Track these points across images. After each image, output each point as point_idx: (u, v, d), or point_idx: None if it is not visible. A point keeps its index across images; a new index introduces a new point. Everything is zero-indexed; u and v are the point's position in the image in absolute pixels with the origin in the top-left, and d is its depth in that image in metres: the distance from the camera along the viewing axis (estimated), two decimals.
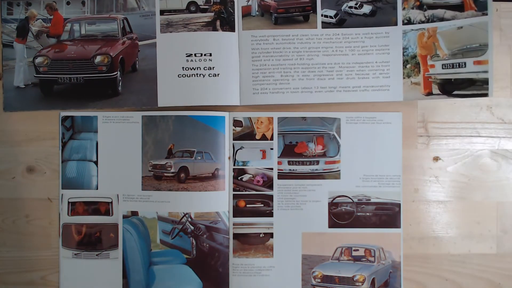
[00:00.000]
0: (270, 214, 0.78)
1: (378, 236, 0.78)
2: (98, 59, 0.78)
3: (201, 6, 0.77)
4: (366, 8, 0.77)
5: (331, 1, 0.77)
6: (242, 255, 0.78)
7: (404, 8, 0.77)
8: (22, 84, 0.78)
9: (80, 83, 0.77)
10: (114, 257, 0.77)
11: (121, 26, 0.80)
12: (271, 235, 0.78)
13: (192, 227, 0.77)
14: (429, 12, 0.76)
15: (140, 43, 0.78)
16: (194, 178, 0.77)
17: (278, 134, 0.78)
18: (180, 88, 0.76)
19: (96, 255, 0.77)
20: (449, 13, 0.76)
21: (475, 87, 0.75)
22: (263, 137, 0.78)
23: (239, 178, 0.78)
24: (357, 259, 0.78)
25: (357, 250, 0.78)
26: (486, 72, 0.74)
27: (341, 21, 0.77)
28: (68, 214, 0.78)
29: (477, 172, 0.79)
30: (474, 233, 0.79)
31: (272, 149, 0.78)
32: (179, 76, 0.76)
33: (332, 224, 0.78)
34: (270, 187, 0.78)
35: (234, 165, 0.78)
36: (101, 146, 0.78)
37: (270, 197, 0.78)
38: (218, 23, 0.76)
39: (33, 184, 0.78)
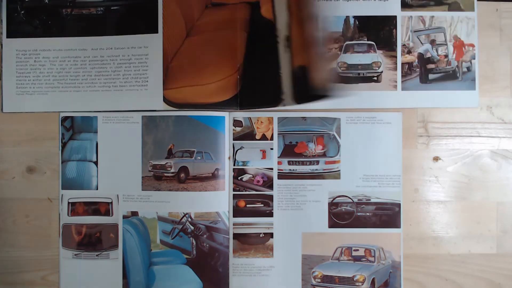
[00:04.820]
0: (270, 214, 0.78)
1: (378, 236, 0.78)
2: None
3: None
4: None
5: None
6: (242, 255, 0.78)
7: None
8: None
9: None
10: (114, 257, 0.77)
11: None
12: (271, 235, 0.78)
13: (192, 227, 0.77)
14: None
15: None
16: (194, 178, 0.77)
17: (278, 134, 0.78)
18: None
19: (96, 255, 0.77)
20: None
21: None
22: (263, 137, 0.78)
23: (239, 178, 0.78)
24: (357, 259, 0.78)
25: (357, 250, 0.78)
26: None
27: None
28: (68, 214, 0.78)
29: (477, 172, 0.79)
30: (474, 233, 0.79)
31: (272, 149, 0.78)
32: None
33: (332, 224, 0.78)
34: (270, 187, 0.78)
35: (234, 165, 0.78)
36: (101, 146, 0.78)
37: (270, 197, 0.78)
38: None
39: (33, 184, 0.78)
